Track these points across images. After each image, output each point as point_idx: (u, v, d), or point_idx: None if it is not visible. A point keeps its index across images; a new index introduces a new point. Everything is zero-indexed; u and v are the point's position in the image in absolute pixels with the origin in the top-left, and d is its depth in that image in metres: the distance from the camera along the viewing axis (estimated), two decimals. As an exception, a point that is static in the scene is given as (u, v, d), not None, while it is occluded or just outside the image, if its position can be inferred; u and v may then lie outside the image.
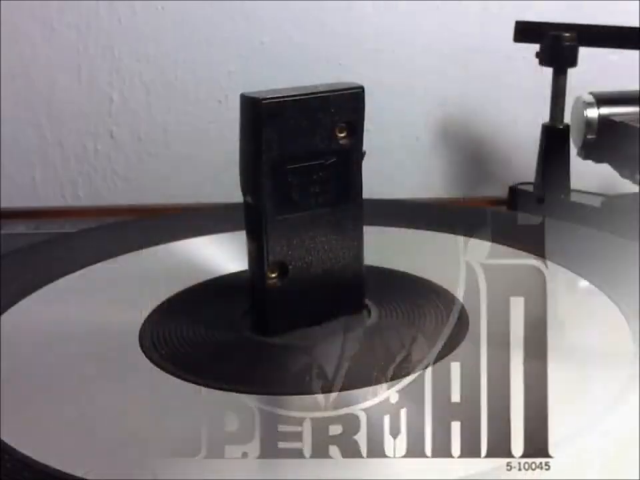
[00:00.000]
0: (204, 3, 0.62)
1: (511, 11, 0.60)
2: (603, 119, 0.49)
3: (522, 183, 0.57)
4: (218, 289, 0.39)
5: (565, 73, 0.52)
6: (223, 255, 0.42)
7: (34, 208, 0.63)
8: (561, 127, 0.53)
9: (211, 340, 0.34)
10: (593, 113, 0.49)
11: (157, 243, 0.45)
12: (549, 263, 0.40)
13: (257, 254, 0.32)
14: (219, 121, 0.64)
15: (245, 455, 0.27)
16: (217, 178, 0.63)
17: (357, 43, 0.64)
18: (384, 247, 0.42)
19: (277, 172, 0.31)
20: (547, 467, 0.24)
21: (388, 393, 0.29)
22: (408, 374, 0.30)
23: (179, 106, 0.64)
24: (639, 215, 0.45)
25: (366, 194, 0.33)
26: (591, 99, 0.50)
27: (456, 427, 0.27)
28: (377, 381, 0.29)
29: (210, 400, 0.29)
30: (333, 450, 0.26)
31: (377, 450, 0.26)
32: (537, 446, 0.25)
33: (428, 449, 0.26)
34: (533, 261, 0.41)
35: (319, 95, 0.31)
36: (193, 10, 0.63)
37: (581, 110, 0.50)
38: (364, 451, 0.26)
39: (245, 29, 0.63)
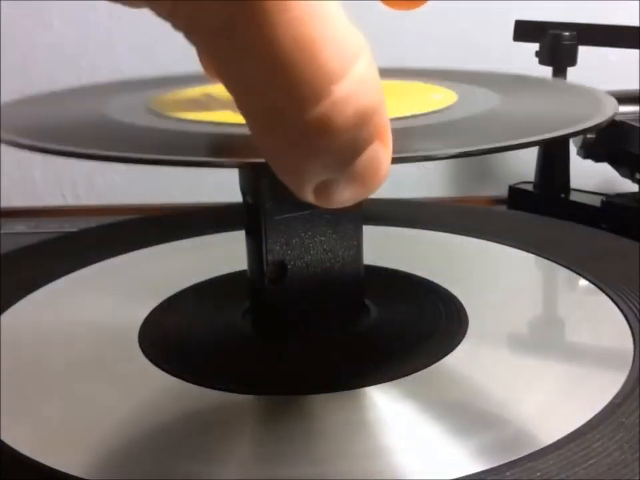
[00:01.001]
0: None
1: (510, 10, 0.60)
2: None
3: (522, 183, 0.57)
4: (218, 288, 0.39)
5: (564, 72, 0.52)
6: (222, 255, 0.42)
7: (34, 207, 0.63)
8: (561, 126, 0.53)
9: (211, 340, 0.34)
10: (592, 112, 0.49)
11: (157, 243, 0.45)
12: (549, 262, 0.40)
13: (256, 254, 0.32)
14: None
15: (244, 454, 0.27)
16: (217, 178, 0.63)
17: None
18: (384, 247, 0.42)
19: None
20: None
21: (387, 392, 0.29)
22: (407, 374, 0.30)
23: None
24: (639, 215, 0.45)
25: (366, 193, 0.33)
26: (590, 98, 0.50)
27: (456, 426, 0.27)
28: (377, 381, 0.29)
29: (210, 400, 0.29)
30: (333, 449, 0.26)
31: (376, 449, 0.26)
32: (537, 446, 0.25)
33: (428, 449, 0.26)
34: (532, 261, 0.41)
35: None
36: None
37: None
38: (363, 450, 0.26)
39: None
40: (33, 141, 0.26)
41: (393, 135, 0.20)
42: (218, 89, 0.33)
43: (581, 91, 0.33)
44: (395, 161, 0.21)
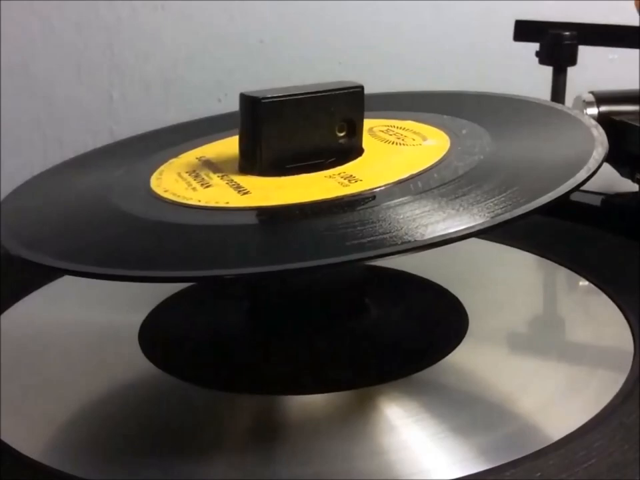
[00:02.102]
0: (203, 2, 0.62)
1: (511, 10, 0.60)
2: (602, 118, 0.49)
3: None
4: (217, 288, 0.39)
5: (564, 72, 0.52)
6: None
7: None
8: (561, 126, 0.53)
9: (211, 340, 0.34)
10: (592, 111, 0.49)
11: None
12: (549, 262, 0.40)
13: None
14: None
15: (244, 454, 0.27)
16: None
17: (357, 42, 0.63)
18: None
19: (277, 171, 0.31)
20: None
21: (387, 392, 0.29)
22: (407, 374, 0.30)
23: (178, 104, 0.64)
24: (639, 215, 0.45)
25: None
26: (590, 97, 0.49)
27: (456, 426, 0.27)
28: (377, 381, 0.29)
29: (210, 399, 0.29)
30: (333, 449, 0.26)
31: (376, 449, 0.26)
32: (537, 446, 0.25)
33: (428, 449, 0.26)
34: (532, 260, 0.41)
35: (318, 94, 0.31)
36: (192, 8, 0.62)
37: (581, 109, 0.49)
38: (363, 450, 0.26)
39: (244, 27, 0.63)
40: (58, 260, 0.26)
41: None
42: (209, 151, 0.35)
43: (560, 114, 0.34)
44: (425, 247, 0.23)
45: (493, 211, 0.25)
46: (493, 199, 0.26)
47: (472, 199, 0.26)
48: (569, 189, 0.26)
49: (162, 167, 0.33)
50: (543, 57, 0.52)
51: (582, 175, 0.27)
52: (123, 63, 0.63)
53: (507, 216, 0.25)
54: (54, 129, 0.64)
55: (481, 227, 0.24)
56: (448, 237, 0.24)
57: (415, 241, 0.24)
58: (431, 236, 0.24)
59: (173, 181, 0.31)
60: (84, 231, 0.29)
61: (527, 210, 0.25)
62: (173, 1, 0.62)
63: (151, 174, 0.33)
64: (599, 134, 0.30)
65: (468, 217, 0.25)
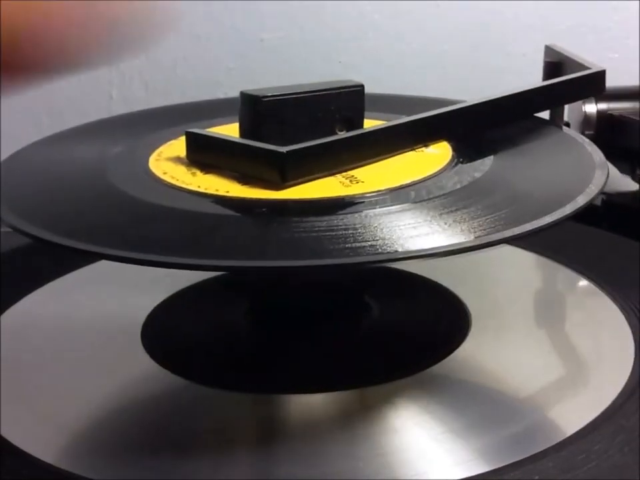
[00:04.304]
0: (203, 1, 0.62)
1: (511, 9, 0.60)
2: (601, 114, 0.49)
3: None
4: (219, 287, 0.39)
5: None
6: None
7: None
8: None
9: (212, 339, 0.34)
10: (591, 108, 0.49)
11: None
12: (549, 262, 0.40)
13: None
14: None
15: (243, 454, 0.27)
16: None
17: (358, 41, 0.63)
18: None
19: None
20: None
21: (388, 392, 0.29)
22: (408, 374, 0.30)
23: (178, 103, 0.64)
24: (639, 214, 0.45)
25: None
26: (589, 94, 0.49)
27: (455, 428, 0.27)
28: (377, 381, 0.29)
29: (210, 399, 0.29)
30: (333, 449, 0.26)
31: (376, 449, 0.26)
32: (537, 448, 0.25)
33: (427, 450, 0.26)
34: (532, 260, 0.41)
35: (318, 92, 0.31)
36: (192, 6, 0.62)
37: (579, 105, 0.49)
38: (363, 450, 0.26)
39: (244, 26, 0.63)
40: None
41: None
42: None
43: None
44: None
45: (485, 229, 0.25)
46: (486, 217, 0.26)
47: (467, 216, 0.26)
48: (559, 217, 0.26)
49: (161, 148, 0.33)
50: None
51: (579, 201, 0.27)
52: (123, 63, 0.63)
53: (491, 238, 0.25)
54: (54, 128, 0.64)
55: (465, 246, 0.24)
56: (430, 252, 0.24)
57: (396, 252, 0.24)
58: (413, 248, 0.24)
59: (172, 164, 0.31)
60: (77, 212, 0.28)
61: (509, 235, 0.25)
62: (173, 0, 0.62)
63: (150, 153, 0.32)
64: (601, 161, 0.30)
65: (454, 234, 0.25)
